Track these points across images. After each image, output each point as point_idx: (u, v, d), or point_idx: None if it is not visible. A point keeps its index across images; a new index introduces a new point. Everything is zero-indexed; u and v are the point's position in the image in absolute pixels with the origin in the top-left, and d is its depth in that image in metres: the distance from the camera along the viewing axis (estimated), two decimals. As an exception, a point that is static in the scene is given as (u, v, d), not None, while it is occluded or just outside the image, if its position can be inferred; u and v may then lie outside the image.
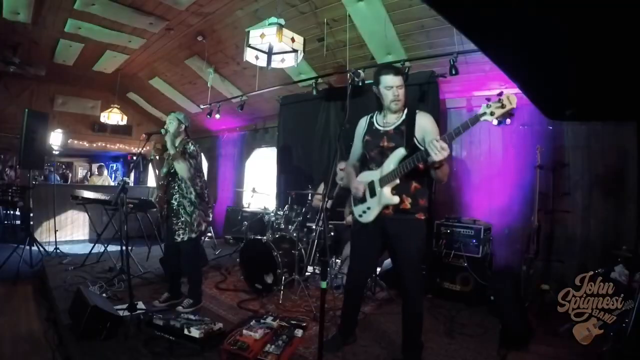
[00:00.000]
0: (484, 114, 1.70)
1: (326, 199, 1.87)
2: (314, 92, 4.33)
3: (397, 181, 2.03)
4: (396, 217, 2.09)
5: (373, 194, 2.12)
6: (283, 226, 3.84)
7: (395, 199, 2.02)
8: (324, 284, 1.57)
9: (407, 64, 3.47)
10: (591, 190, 3.34)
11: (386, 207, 2.09)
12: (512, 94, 1.66)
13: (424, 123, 2.07)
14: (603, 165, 3.29)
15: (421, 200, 2.12)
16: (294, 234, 3.62)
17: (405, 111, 2.15)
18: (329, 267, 1.62)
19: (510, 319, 2.49)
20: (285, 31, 2.82)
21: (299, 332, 2.36)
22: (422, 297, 2.20)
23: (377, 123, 2.21)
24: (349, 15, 3.49)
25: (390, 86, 2.09)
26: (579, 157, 3.41)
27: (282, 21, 2.83)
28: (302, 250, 3.49)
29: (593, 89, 0.63)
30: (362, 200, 2.18)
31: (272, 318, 2.46)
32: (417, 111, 2.12)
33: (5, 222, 6.41)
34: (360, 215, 2.20)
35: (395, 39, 3.57)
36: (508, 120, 3.75)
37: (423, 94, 3.72)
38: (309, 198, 3.90)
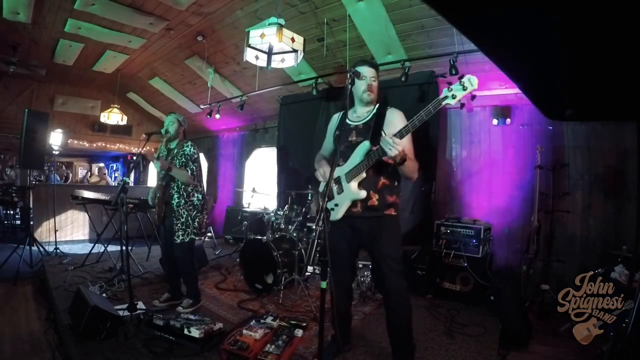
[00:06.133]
0: (445, 97, 1.69)
1: (326, 199, 1.84)
2: (314, 92, 4.33)
3: (363, 175, 1.98)
4: (365, 215, 2.02)
5: (340, 190, 2.07)
6: (283, 226, 3.84)
7: (362, 193, 1.97)
8: (324, 284, 1.56)
9: (407, 64, 3.48)
10: (591, 190, 3.34)
11: (354, 204, 2.02)
12: (474, 77, 1.65)
13: (395, 120, 2.01)
14: (603, 165, 3.29)
15: (389, 197, 2.04)
16: (294, 234, 3.62)
17: (377, 106, 2.10)
18: (329, 267, 1.60)
19: (510, 319, 2.49)
20: (285, 31, 2.82)
21: (299, 332, 2.37)
22: (407, 296, 2.04)
23: (348, 118, 2.18)
24: (349, 15, 3.50)
25: (365, 76, 2.07)
26: (579, 157, 3.41)
27: (282, 21, 2.83)
28: (302, 250, 3.49)
29: (593, 89, 0.63)
30: (330, 197, 2.12)
31: (272, 318, 2.46)
32: (388, 107, 2.07)
33: (5, 222, 6.41)
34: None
35: (395, 39, 3.57)
36: (508, 120, 3.79)
37: (423, 94, 3.72)
38: (309, 198, 3.90)
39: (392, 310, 2.05)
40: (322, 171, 2.21)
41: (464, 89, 1.65)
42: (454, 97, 1.67)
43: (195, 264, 3.36)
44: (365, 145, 1.97)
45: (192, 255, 3.10)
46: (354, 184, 2.00)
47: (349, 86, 1.98)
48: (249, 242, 3.61)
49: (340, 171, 2.08)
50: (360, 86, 2.09)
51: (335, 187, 2.10)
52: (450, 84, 1.70)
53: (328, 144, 2.34)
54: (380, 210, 2.02)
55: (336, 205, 2.08)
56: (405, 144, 1.82)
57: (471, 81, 1.64)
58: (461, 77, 1.67)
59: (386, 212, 2.03)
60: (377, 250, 2.05)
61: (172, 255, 3.02)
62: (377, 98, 2.15)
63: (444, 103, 1.70)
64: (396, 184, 2.09)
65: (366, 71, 2.09)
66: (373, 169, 1.98)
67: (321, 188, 2.27)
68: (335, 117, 2.30)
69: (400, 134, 1.81)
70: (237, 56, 4.66)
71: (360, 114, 2.15)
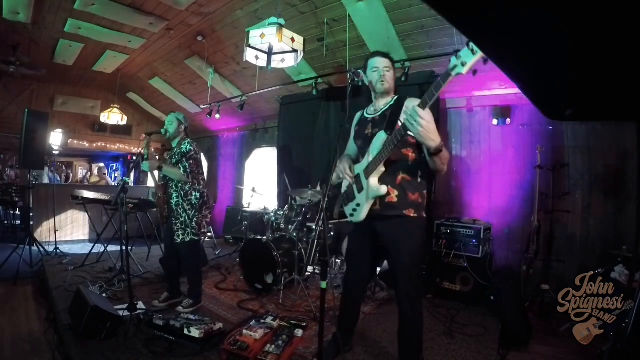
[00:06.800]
0: (455, 66, 1.49)
1: (326, 199, 1.81)
2: (314, 92, 4.33)
3: (382, 169, 1.87)
4: (383, 214, 1.92)
5: (361, 188, 1.96)
6: (283, 226, 3.84)
7: (383, 189, 1.86)
8: (324, 284, 1.56)
9: (407, 64, 3.48)
10: (591, 190, 3.34)
11: (374, 202, 1.91)
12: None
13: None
14: (603, 165, 3.29)
15: (411, 194, 1.91)
16: (294, 234, 3.62)
17: (395, 98, 2.05)
18: (329, 267, 1.59)
19: (510, 319, 2.49)
20: (285, 31, 2.82)
21: (299, 332, 2.37)
22: (420, 303, 1.98)
23: (367, 112, 2.14)
24: (349, 15, 3.50)
25: (377, 67, 2.02)
26: (579, 157, 3.41)
27: (282, 21, 2.83)
28: (302, 250, 3.49)
29: (593, 89, 0.63)
30: (351, 197, 2.03)
31: (272, 318, 2.46)
32: (408, 98, 1.97)
33: (5, 222, 6.41)
34: (352, 215, 2.03)
35: (395, 39, 3.57)
36: (508, 120, 3.79)
37: (423, 94, 3.71)
38: (309, 198, 3.90)
39: (404, 318, 1.98)
40: (341, 167, 2.06)
41: (474, 53, 1.44)
42: (463, 64, 1.47)
43: (200, 264, 3.36)
44: (381, 136, 1.86)
45: (196, 255, 3.11)
46: (373, 180, 1.88)
47: (349, 86, 1.96)
48: (249, 242, 3.61)
49: (358, 168, 1.98)
50: (373, 77, 2.03)
51: (355, 187, 2.00)
52: (457, 51, 1.51)
53: (351, 144, 2.25)
54: (399, 208, 1.90)
55: (358, 205, 1.97)
56: (427, 118, 1.59)
57: None
58: (468, 42, 1.46)
59: (405, 211, 1.90)
60: (393, 254, 1.97)
61: (173, 254, 3.03)
62: (393, 89, 2.08)
63: (453, 73, 1.50)
64: (419, 180, 1.96)
65: (379, 61, 2.02)
66: (391, 163, 1.87)
67: (343, 189, 2.15)
68: (358, 114, 2.23)
69: (404, 128, 1.67)
70: (237, 56, 4.66)
71: (377, 106, 2.08)
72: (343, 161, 2.11)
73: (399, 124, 1.85)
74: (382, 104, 2.07)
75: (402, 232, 1.91)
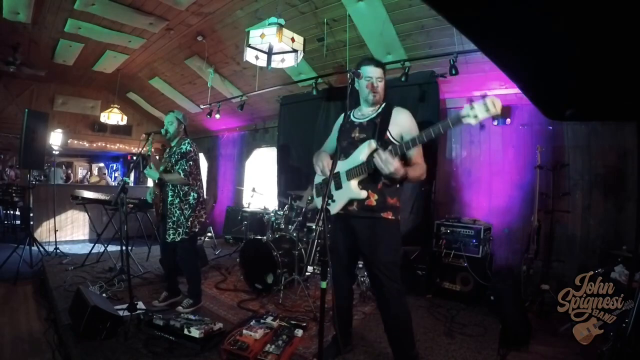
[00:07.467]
0: (467, 116, 1.59)
1: (326, 199, 1.81)
2: (314, 92, 4.33)
3: (366, 175, 1.95)
4: (361, 216, 1.98)
5: (338, 186, 2.02)
6: (283, 226, 3.84)
7: (363, 194, 1.93)
8: (324, 284, 1.56)
9: (407, 64, 3.47)
10: (591, 190, 3.34)
11: (351, 202, 1.99)
12: (498, 99, 1.54)
13: (402, 120, 1.99)
14: (603, 165, 3.29)
15: (390, 199, 1.99)
16: (294, 234, 3.62)
17: (383, 105, 2.09)
18: (329, 267, 1.60)
19: (510, 319, 2.50)
20: (285, 31, 2.82)
21: (299, 332, 2.37)
22: (404, 300, 1.99)
23: (353, 115, 2.16)
24: (349, 15, 3.49)
25: (370, 77, 2.03)
26: (579, 157, 3.41)
27: (282, 21, 2.83)
28: (302, 250, 3.49)
29: (593, 89, 0.63)
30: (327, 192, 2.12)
31: (272, 318, 2.47)
32: (395, 107, 2.05)
33: (5, 222, 6.41)
34: None
35: (395, 39, 3.57)
36: (508, 120, 3.79)
37: (423, 94, 3.72)
38: (309, 198, 3.90)
39: (389, 318, 2.00)
40: (322, 165, 2.11)
41: (487, 110, 1.54)
42: (475, 117, 1.57)
43: (198, 263, 3.36)
44: (372, 144, 1.91)
45: (193, 254, 3.11)
46: (354, 183, 1.96)
47: (350, 86, 1.95)
48: (249, 242, 3.61)
49: (340, 167, 2.03)
50: (364, 86, 2.05)
51: (333, 183, 2.04)
52: (471, 100, 1.60)
53: (331, 142, 2.29)
54: (377, 211, 1.96)
55: (332, 201, 2.01)
56: (397, 165, 1.77)
57: (495, 104, 1.53)
58: (484, 96, 1.58)
59: (383, 214, 1.96)
60: (372, 256, 1.99)
61: (168, 252, 3.05)
62: (383, 97, 2.11)
63: (464, 122, 1.61)
64: (398, 185, 2.03)
65: (371, 71, 2.04)
66: (374, 169, 1.92)
67: (317, 180, 2.24)
68: (342, 116, 2.24)
69: (395, 150, 1.80)
70: (237, 56, 4.65)
71: (365, 112, 2.12)
72: (323, 157, 2.14)
73: (389, 134, 1.97)
74: (371, 110, 2.11)
75: (379, 230, 1.97)
